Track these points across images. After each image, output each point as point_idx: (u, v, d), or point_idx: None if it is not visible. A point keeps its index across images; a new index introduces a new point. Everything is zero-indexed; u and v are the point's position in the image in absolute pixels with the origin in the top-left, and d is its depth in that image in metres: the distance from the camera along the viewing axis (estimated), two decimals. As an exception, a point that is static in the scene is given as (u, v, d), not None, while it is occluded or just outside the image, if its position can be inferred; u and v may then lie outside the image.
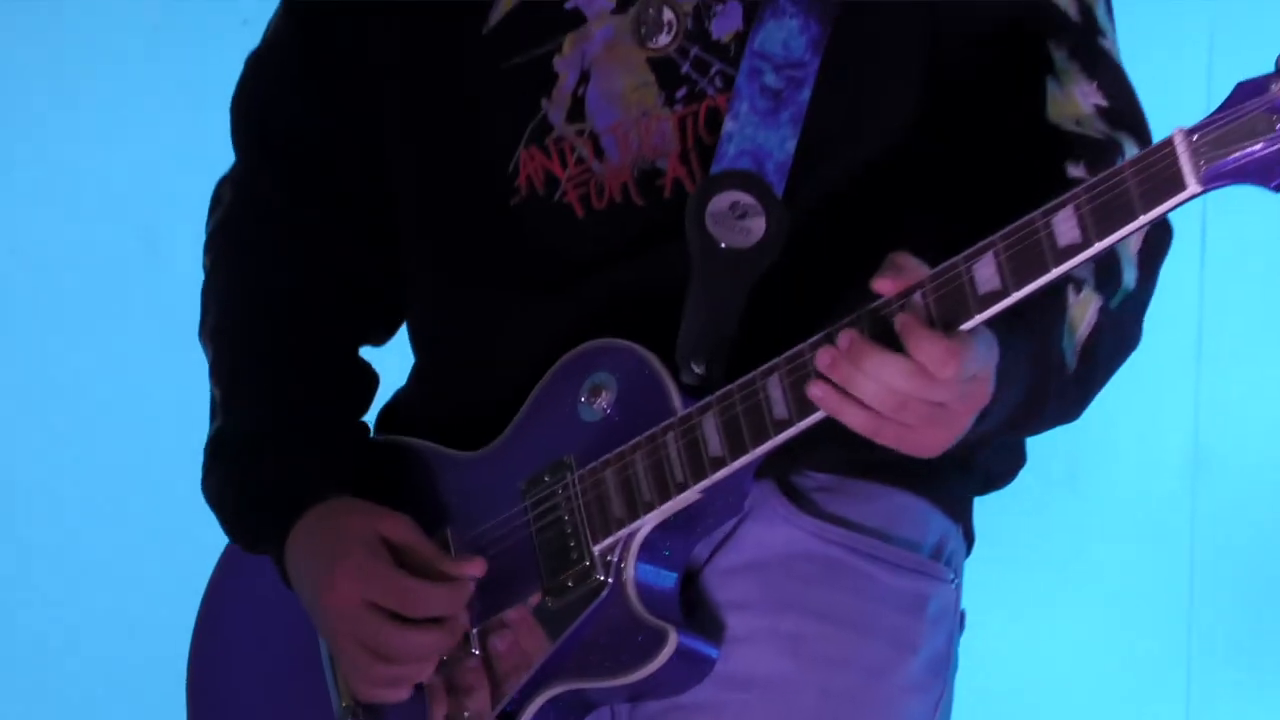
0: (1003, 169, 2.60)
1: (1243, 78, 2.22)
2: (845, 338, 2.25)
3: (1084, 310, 2.50)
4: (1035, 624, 4.92)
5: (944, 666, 2.61)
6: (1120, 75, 2.63)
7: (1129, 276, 2.53)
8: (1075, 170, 2.52)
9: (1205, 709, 5.28)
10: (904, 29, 2.61)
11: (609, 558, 2.44)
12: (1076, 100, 2.61)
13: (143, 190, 4.93)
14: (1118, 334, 2.56)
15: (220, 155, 3.44)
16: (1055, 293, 2.42)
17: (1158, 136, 2.23)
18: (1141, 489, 4.62)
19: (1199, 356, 4.74)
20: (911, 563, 2.58)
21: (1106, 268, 2.46)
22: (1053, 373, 2.45)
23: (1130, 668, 4.97)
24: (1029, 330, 2.40)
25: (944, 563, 2.62)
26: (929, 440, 2.33)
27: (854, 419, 2.28)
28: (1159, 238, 2.52)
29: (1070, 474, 4.83)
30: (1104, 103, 2.61)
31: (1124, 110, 2.61)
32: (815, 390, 2.27)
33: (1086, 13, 2.63)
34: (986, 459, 2.63)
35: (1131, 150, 2.54)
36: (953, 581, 2.62)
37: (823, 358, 2.24)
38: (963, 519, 2.65)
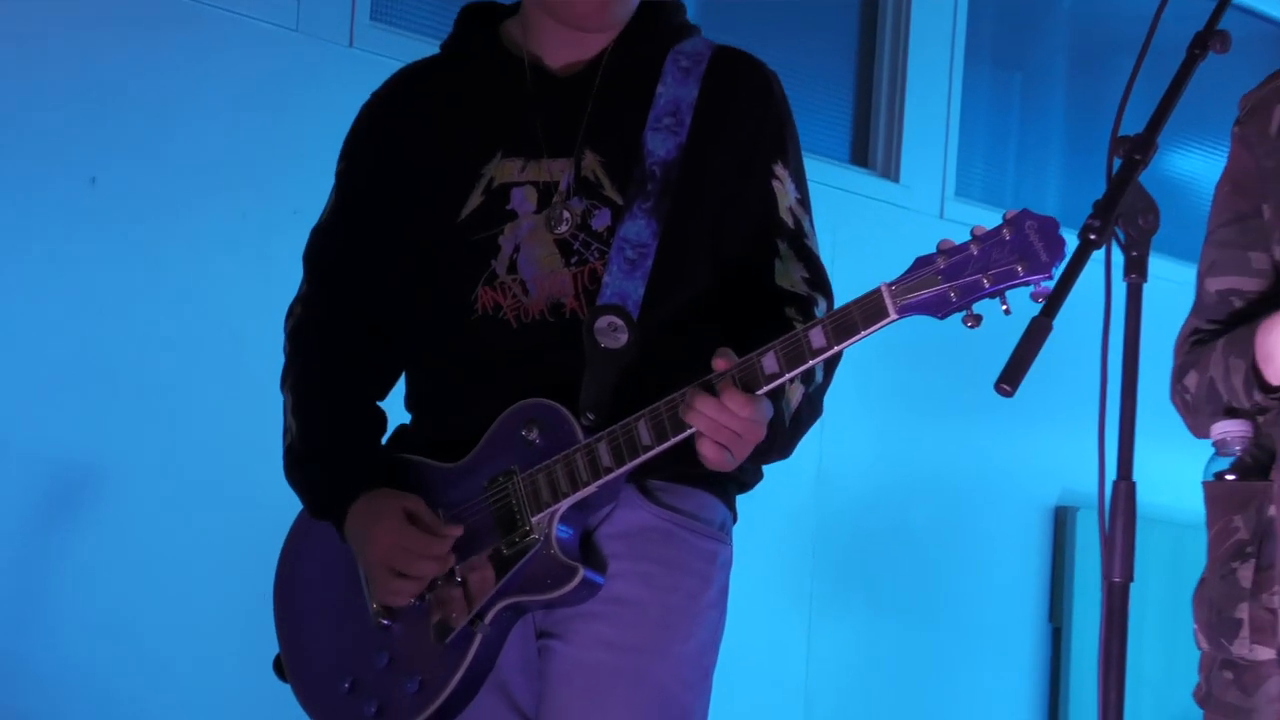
0: (751, 309, 3.22)
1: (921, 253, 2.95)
2: (694, 394, 2.97)
3: (794, 394, 3.15)
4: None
5: (725, 593, 3.30)
6: (816, 259, 3.29)
7: (819, 375, 3.19)
8: (790, 311, 3.19)
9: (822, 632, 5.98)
10: (702, 231, 3.26)
11: (541, 525, 3.14)
12: (791, 273, 3.25)
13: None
14: (811, 409, 3.22)
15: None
16: (780, 388, 3.05)
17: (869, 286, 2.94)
18: (779, 497, 4.39)
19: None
20: (709, 533, 3.27)
21: (807, 372, 3.06)
22: (781, 429, 3.12)
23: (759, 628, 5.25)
24: (776, 401, 3.08)
25: (725, 533, 3.31)
26: (729, 461, 3.03)
27: (702, 443, 3.00)
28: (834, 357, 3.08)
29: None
30: (807, 275, 3.26)
31: (818, 280, 3.26)
32: (697, 410, 2.95)
33: (798, 223, 3.28)
34: (743, 473, 3.27)
35: (822, 303, 3.21)
36: (728, 543, 3.30)
37: (697, 401, 2.96)
38: (732, 508, 3.33)
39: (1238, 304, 3.06)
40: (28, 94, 4.75)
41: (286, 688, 3.37)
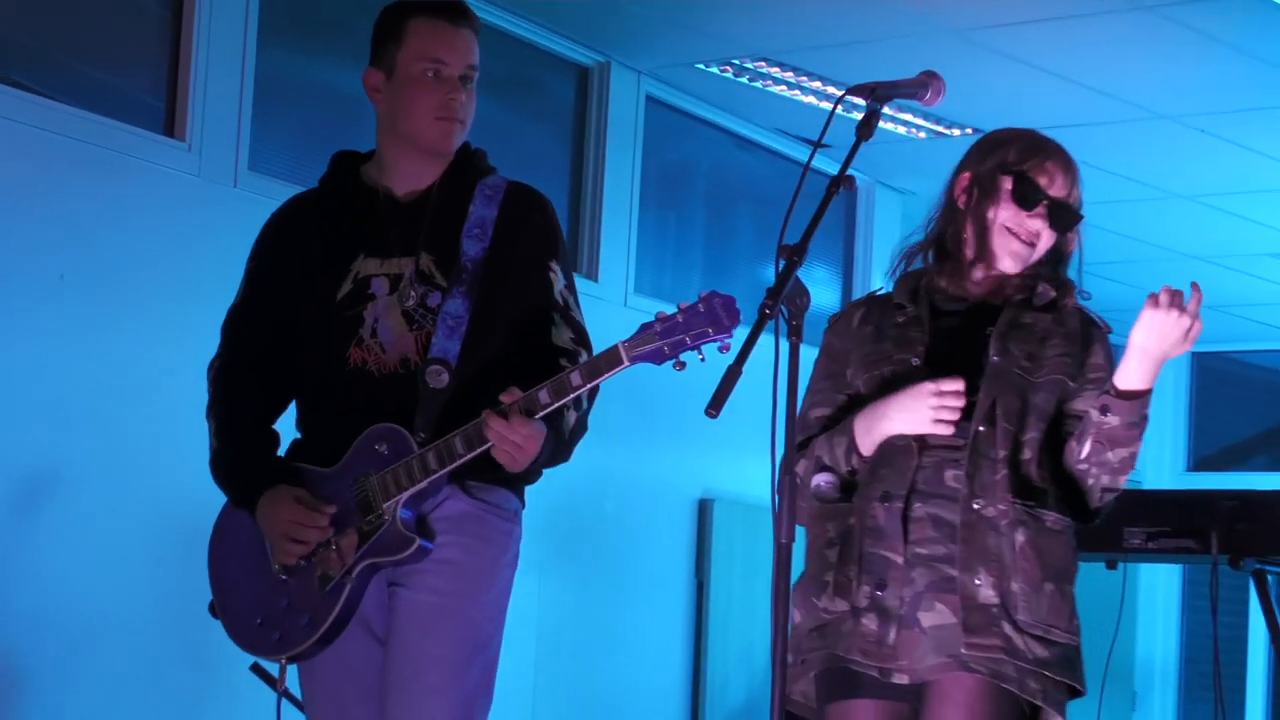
0: (535, 359, 3.17)
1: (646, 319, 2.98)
2: (490, 415, 2.98)
3: (570, 418, 3.14)
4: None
5: (517, 558, 3.25)
6: (580, 325, 3.25)
7: (584, 403, 3.17)
8: (562, 361, 3.15)
9: (547, 588, 5.81)
10: (501, 306, 3.20)
11: (390, 509, 3.11)
12: (562, 335, 3.22)
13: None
14: (580, 427, 3.19)
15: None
16: (559, 412, 3.08)
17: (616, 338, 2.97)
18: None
19: None
20: (506, 516, 3.23)
21: (578, 400, 3.08)
22: (561, 443, 3.13)
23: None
24: (554, 424, 3.10)
25: (518, 516, 3.27)
26: (518, 462, 3.06)
27: (496, 452, 3.03)
28: (592, 391, 3.11)
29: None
30: (573, 336, 3.23)
31: (581, 339, 3.23)
32: (493, 428, 2.97)
33: (565, 301, 3.25)
34: (530, 475, 3.21)
35: (584, 355, 3.17)
36: (519, 523, 3.25)
37: (492, 421, 2.98)
38: (522, 498, 3.28)
39: (826, 422, 3.15)
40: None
41: (217, 623, 3.33)
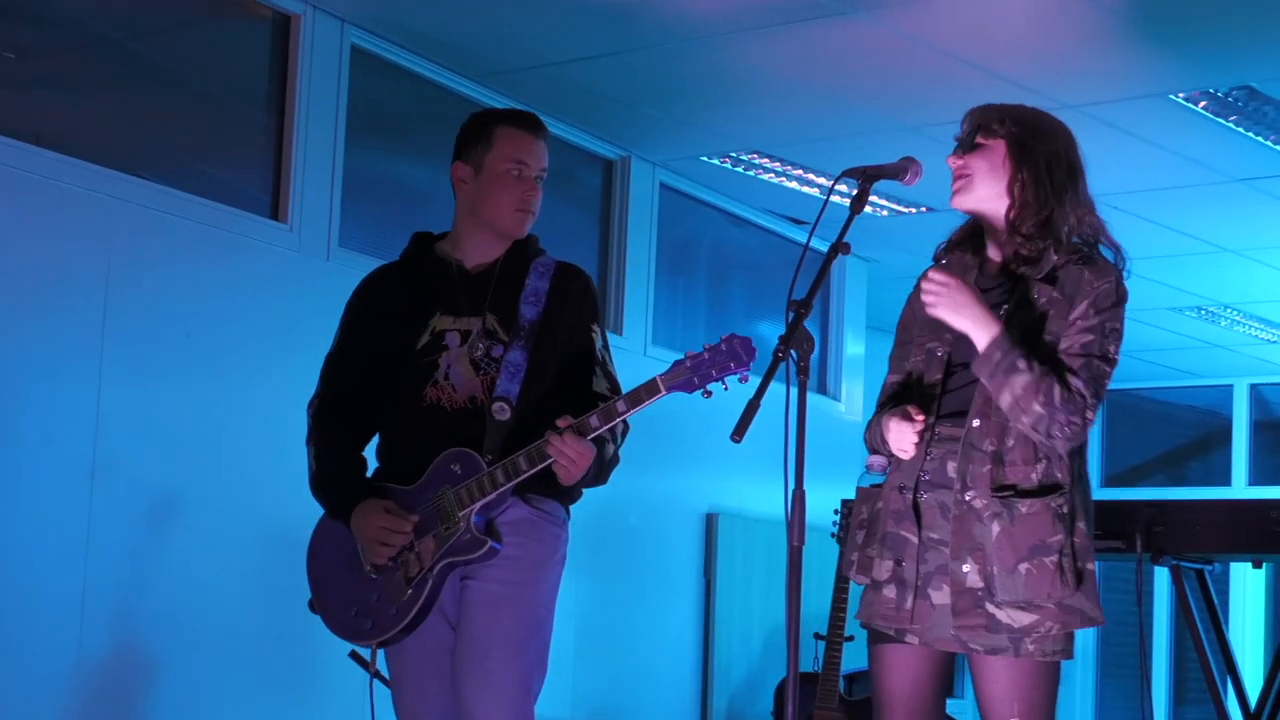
0: (578, 404, 3.09)
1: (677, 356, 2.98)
2: (551, 435, 2.96)
3: (609, 449, 3.12)
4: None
5: (565, 557, 3.19)
6: (614, 378, 3.21)
7: (619, 439, 3.15)
8: (602, 403, 3.06)
9: (576, 589, 5.65)
10: (551, 359, 3.17)
11: (464, 518, 3.06)
12: (602, 385, 3.19)
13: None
14: (616, 458, 3.16)
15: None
16: (602, 440, 3.05)
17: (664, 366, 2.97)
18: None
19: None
20: (557, 523, 3.18)
21: (614, 432, 3.08)
22: (603, 468, 3.11)
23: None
24: (598, 452, 3.05)
25: (565, 523, 3.20)
26: (572, 475, 3.02)
27: (555, 466, 3.00)
28: (625, 427, 3.12)
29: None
30: (609, 386, 3.19)
31: (615, 388, 3.18)
32: (553, 444, 2.95)
33: (604, 358, 3.21)
34: (575, 493, 3.19)
35: (620, 399, 3.03)
36: (566, 529, 3.19)
37: (552, 439, 2.96)
38: (568, 509, 3.21)
39: (897, 388, 3.04)
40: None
41: (314, 618, 3.26)
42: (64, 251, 4.30)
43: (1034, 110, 2.94)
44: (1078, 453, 2.90)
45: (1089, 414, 2.81)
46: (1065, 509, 2.86)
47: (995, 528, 2.85)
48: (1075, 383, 2.80)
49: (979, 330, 2.82)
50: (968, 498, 2.85)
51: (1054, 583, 2.84)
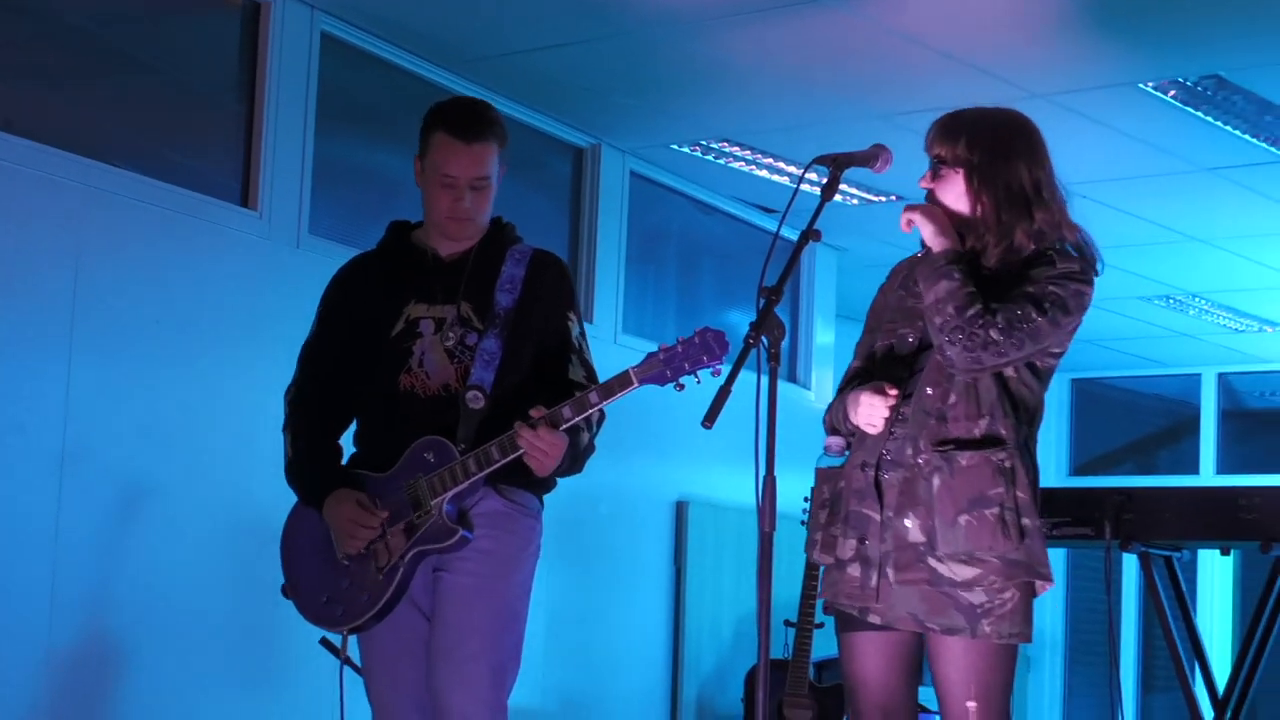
0: (553, 392, 3.10)
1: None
2: (522, 427, 2.97)
3: (584, 437, 3.11)
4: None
5: (539, 549, 3.20)
6: (590, 366, 3.18)
7: (594, 428, 3.14)
8: (576, 393, 3.04)
9: (549, 581, 5.64)
10: (526, 347, 3.15)
11: (436, 506, 3.05)
12: (578, 373, 3.18)
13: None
14: (590, 447, 3.15)
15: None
16: (577, 430, 3.04)
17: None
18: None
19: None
20: (531, 514, 3.18)
21: (589, 421, 3.07)
22: (577, 457, 3.10)
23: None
24: (571, 441, 3.05)
25: (538, 514, 3.20)
26: (544, 467, 3.03)
27: (526, 457, 3.00)
28: (600, 415, 3.11)
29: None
30: (585, 374, 3.18)
31: (591, 376, 3.17)
32: (524, 436, 2.94)
33: (580, 346, 3.19)
34: (549, 483, 3.19)
35: (593, 390, 3.01)
36: (540, 520, 3.19)
37: (523, 431, 2.96)
38: (541, 500, 3.21)
39: (859, 372, 3.07)
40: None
41: (285, 604, 3.26)
42: (33, 237, 4.27)
43: (994, 122, 2.95)
44: (1026, 422, 2.92)
45: (998, 342, 2.81)
46: (1007, 463, 2.86)
47: (936, 481, 2.86)
48: (998, 312, 2.82)
49: (941, 241, 2.88)
50: (920, 461, 2.87)
51: (995, 535, 2.83)
